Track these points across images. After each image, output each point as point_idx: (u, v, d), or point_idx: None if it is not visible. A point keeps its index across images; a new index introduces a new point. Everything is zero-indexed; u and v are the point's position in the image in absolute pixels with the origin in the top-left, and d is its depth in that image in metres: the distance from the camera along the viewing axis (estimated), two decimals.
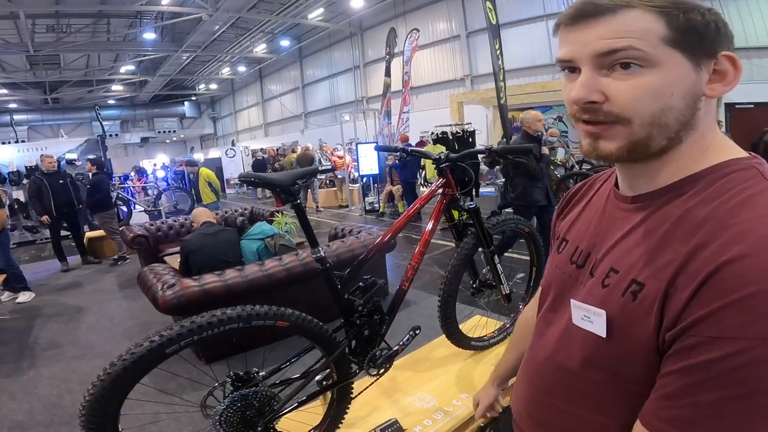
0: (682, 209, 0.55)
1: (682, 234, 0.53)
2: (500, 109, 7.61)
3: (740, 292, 0.44)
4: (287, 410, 1.34)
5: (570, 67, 0.59)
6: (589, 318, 0.61)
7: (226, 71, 22.30)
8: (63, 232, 6.18)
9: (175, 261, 3.92)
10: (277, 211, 5.19)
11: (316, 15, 14.61)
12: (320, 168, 7.53)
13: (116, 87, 21.41)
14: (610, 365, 0.59)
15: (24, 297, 4.76)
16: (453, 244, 1.94)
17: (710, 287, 0.47)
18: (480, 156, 1.73)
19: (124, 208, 8.74)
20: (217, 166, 17.55)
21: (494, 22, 8.08)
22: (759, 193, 0.52)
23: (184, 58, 17.92)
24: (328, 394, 1.46)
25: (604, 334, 0.58)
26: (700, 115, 0.56)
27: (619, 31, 0.53)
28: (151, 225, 5.67)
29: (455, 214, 1.88)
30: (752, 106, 8.32)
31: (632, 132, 0.55)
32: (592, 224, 0.71)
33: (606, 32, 0.54)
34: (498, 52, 7.46)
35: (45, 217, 5.76)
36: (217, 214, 5.51)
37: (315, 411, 1.46)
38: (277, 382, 1.35)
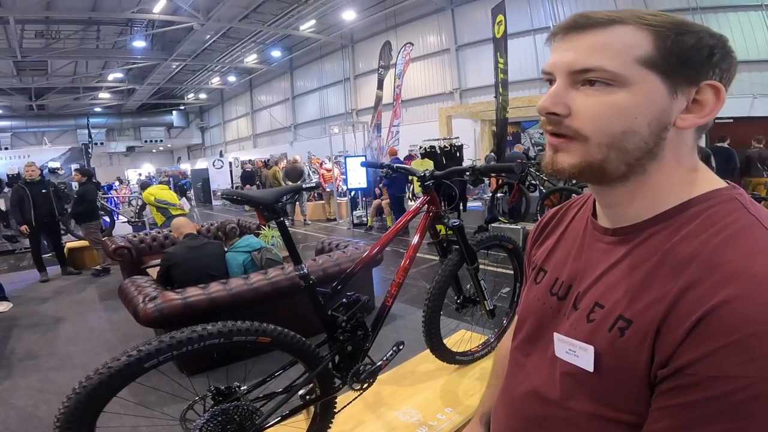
0: (666, 245, 0.54)
1: (668, 271, 0.53)
2: (498, 123, 7.64)
3: (735, 334, 0.45)
4: (269, 425, 1.32)
5: (550, 79, 0.58)
6: (575, 352, 0.61)
7: (215, 81, 22.26)
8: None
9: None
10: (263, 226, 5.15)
11: (307, 27, 14.73)
12: (304, 186, 7.48)
13: (103, 95, 21.22)
14: (598, 397, 0.58)
15: (1, 307, 4.64)
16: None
17: (705, 328, 0.47)
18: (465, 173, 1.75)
19: (107, 219, 8.61)
20: (204, 177, 17.49)
21: (499, 36, 7.97)
22: (744, 229, 0.51)
23: (174, 66, 17.88)
24: (312, 409, 1.45)
25: (591, 369, 0.58)
26: (667, 145, 0.55)
27: (597, 48, 0.52)
28: (134, 236, 5.57)
29: (441, 229, 1.90)
30: (731, 120, 8.45)
31: (588, 151, 0.55)
32: (571, 255, 0.69)
33: (585, 48, 0.53)
34: (502, 65, 7.51)
35: (24, 227, 5.66)
36: (201, 225, 5.46)
37: (298, 426, 1.45)
38: (260, 396, 1.34)
